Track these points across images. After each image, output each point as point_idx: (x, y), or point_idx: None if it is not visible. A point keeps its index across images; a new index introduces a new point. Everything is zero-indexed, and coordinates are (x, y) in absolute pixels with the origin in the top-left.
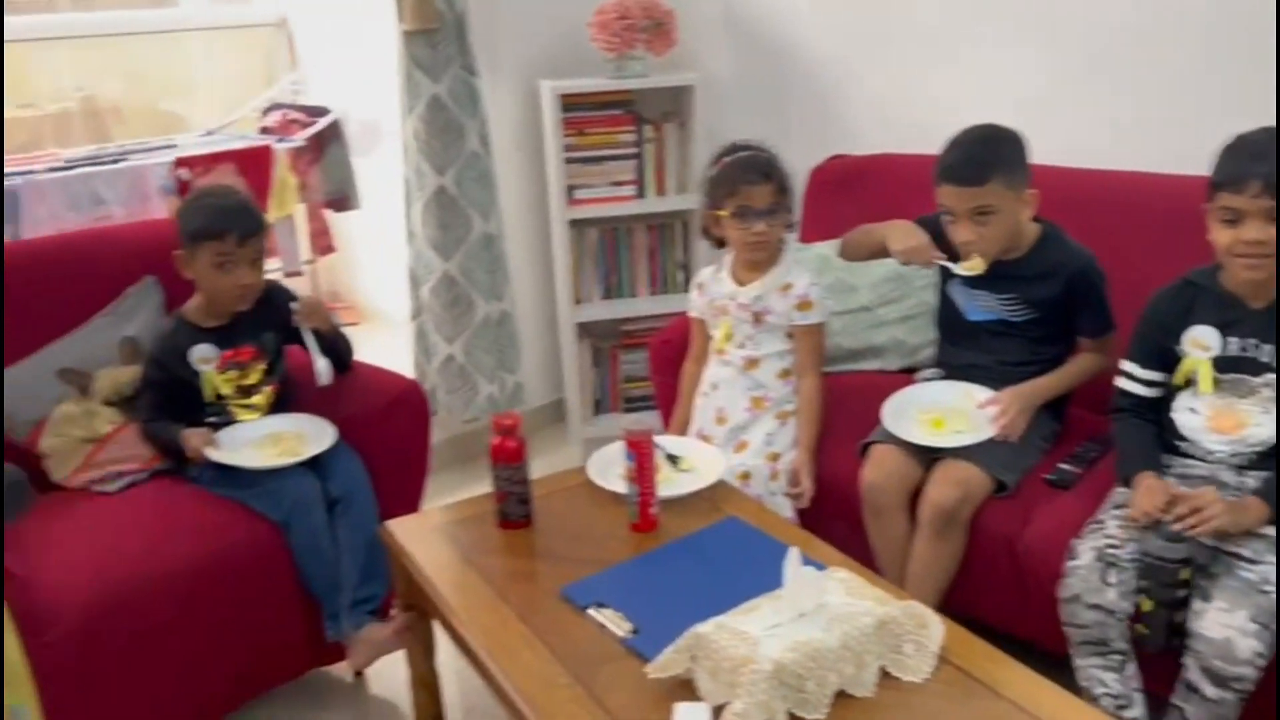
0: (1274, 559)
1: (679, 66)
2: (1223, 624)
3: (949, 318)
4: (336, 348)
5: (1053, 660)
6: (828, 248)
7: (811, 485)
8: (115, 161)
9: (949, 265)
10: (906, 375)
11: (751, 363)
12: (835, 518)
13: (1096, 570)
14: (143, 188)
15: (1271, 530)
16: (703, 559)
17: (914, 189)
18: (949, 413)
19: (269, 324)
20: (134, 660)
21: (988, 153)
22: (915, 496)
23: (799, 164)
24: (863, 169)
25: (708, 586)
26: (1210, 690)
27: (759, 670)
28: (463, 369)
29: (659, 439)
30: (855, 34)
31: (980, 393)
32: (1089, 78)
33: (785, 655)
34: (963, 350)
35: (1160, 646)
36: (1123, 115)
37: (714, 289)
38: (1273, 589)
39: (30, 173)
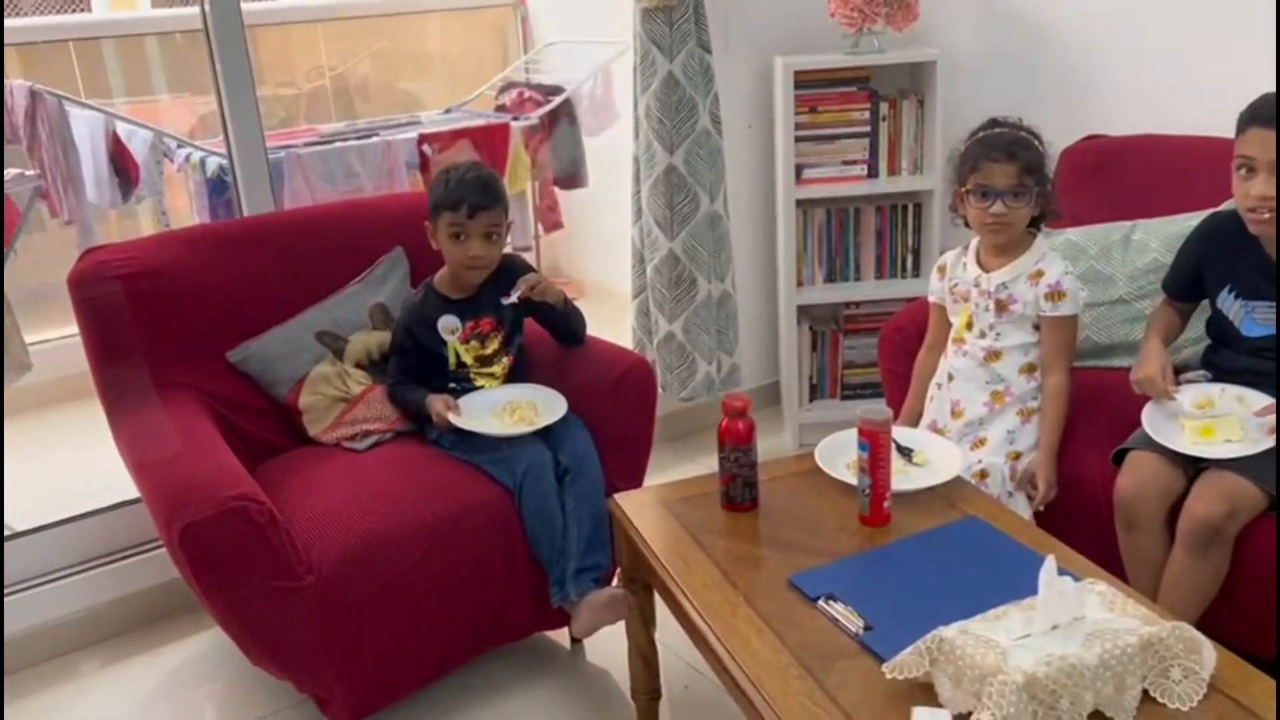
0: None
1: (919, 42)
2: None
3: (1220, 329)
4: (569, 321)
5: None
6: (1079, 234)
7: (1049, 489)
8: (365, 137)
9: (1177, 398)
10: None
11: (993, 354)
12: (1077, 525)
13: None
14: (390, 162)
15: None
16: (939, 558)
17: (1178, 172)
18: (1219, 420)
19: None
20: (381, 608)
21: None
22: (1175, 510)
23: (1051, 145)
24: (1120, 150)
25: (945, 587)
26: None
27: (1009, 682)
28: (682, 347)
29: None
30: (1115, 5)
31: (1257, 399)
32: None
33: (1039, 669)
34: (1237, 356)
35: None
36: None
37: (956, 273)
38: None
39: (291, 147)
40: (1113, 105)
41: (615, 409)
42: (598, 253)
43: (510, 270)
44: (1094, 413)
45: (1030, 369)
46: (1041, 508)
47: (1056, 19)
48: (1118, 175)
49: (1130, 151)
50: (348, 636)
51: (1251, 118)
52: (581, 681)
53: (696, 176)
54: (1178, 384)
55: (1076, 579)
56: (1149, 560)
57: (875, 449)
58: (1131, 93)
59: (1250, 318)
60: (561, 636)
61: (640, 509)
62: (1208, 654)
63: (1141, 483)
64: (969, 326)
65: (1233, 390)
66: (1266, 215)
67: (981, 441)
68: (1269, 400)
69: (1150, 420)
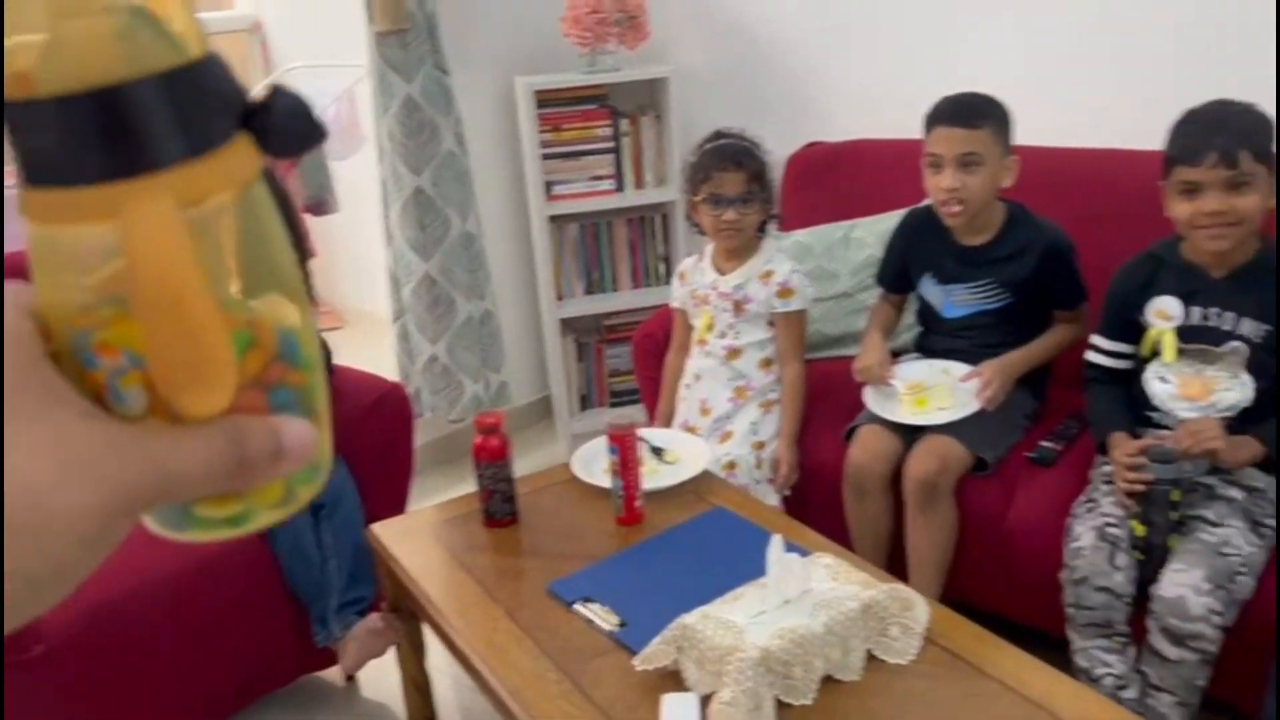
0: (1236, 524)
1: (652, 59)
2: (1178, 583)
3: (926, 314)
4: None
5: (1041, 639)
6: (806, 235)
7: (792, 473)
8: None
9: (893, 384)
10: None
11: (733, 352)
12: (821, 504)
13: (1103, 552)
14: None
15: (1235, 493)
16: (689, 550)
17: (888, 172)
18: (931, 391)
19: None
20: (121, 673)
21: (982, 102)
22: (897, 477)
23: (776, 152)
24: (838, 155)
25: (694, 577)
26: (1170, 650)
27: (745, 658)
28: (446, 369)
29: (642, 432)
30: (831, 20)
31: (960, 369)
32: (1066, 59)
33: (771, 642)
34: (942, 337)
35: (1155, 573)
36: (1098, 95)
37: (695, 279)
38: (1232, 551)
39: None
40: (833, 114)
41: (371, 438)
42: (354, 279)
43: None
44: (828, 399)
45: (768, 363)
46: (787, 491)
47: (778, 36)
48: (837, 178)
49: (847, 156)
50: (91, 708)
51: (935, 118)
52: (359, 718)
53: (446, 198)
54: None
55: (805, 554)
56: (873, 525)
57: (624, 452)
58: (846, 102)
59: (949, 300)
60: (334, 675)
61: (400, 536)
62: (920, 610)
63: (869, 453)
64: (710, 328)
65: (939, 364)
66: (956, 207)
67: (728, 435)
68: (969, 368)
69: (872, 399)
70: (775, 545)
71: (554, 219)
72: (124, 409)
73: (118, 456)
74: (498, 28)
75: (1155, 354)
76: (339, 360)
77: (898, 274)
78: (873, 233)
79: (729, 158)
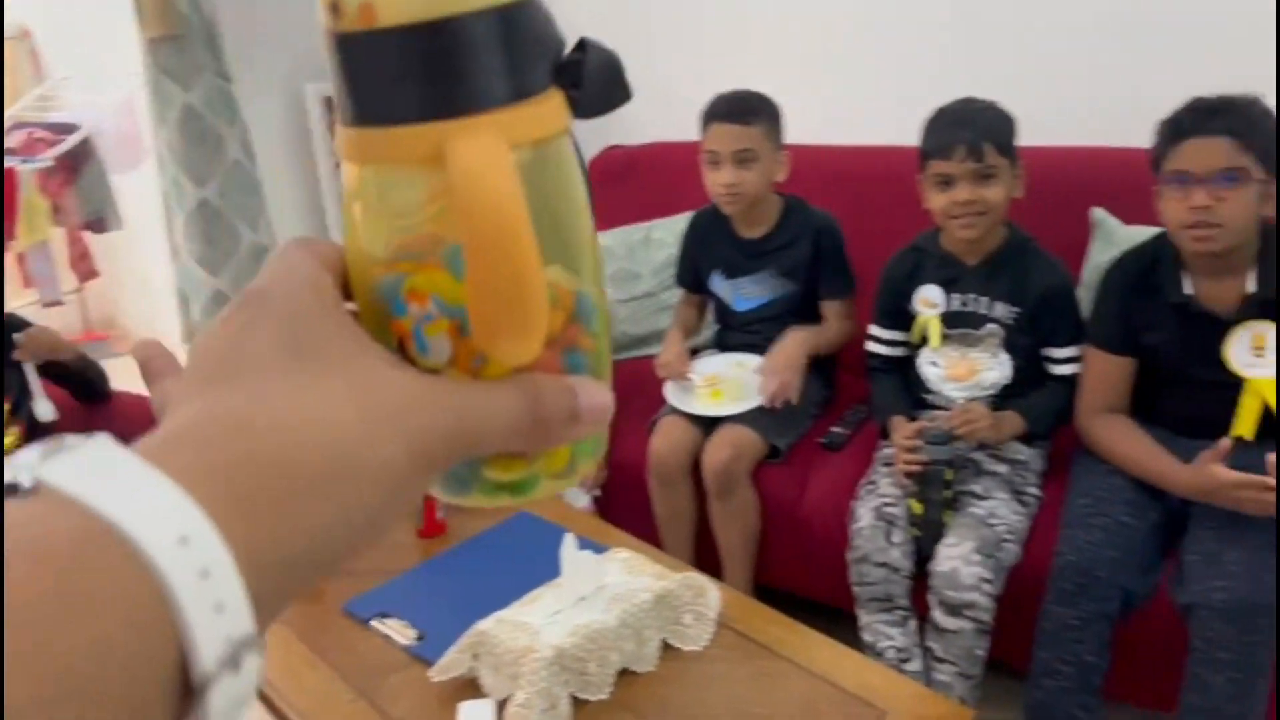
0: (1001, 495)
1: None
2: (951, 556)
3: (721, 311)
4: (86, 378)
5: (840, 617)
6: (608, 237)
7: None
8: None
9: (691, 378)
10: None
11: None
12: (631, 500)
13: (880, 530)
14: None
15: (1000, 467)
16: (490, 558)
17: (685, 174)
18: (726, 384)
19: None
20: None
21: (755, 99)
22: (698, 467)
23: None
24: (637, 158)
25: (495, 584)
26: (948, 621)
27: (540, 658)
28: None
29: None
30: (631, 23)
31: (754, 361)
32: (837, 60)
33: (565, 640)
34: (737, 333)
35: (933, 549)
36: (868, 94)
37: None
38: (998, 522)
39: None
40: (634, 117)
41: None
42: (140, 299)
43: (11, 329)
44: (635, 397)
45: None
46: (598, 491)
47: (570, 36)
48: (637, 180)
49: (646, 158)
50: None
51: (712, 115)
52: None
53: (234, 210)
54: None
55: (602, 550)
56: (680, 515)
57: None
58: (648, 104)
59: (739, 295)
60: None
61: None
62: (713, 596)
63: (670, 443)
64: None
65: (734, 357)
66: (734, 203)
67: None
68: (760, 360)
69: (672, 393)
70: (568, 544)
71: None
72: (426, 359)
73: (424, 407)
74: (285, 33)
75: (925, 340)
76: (121, 385)
77: (693, 274)
78: (672, 233)
79: None
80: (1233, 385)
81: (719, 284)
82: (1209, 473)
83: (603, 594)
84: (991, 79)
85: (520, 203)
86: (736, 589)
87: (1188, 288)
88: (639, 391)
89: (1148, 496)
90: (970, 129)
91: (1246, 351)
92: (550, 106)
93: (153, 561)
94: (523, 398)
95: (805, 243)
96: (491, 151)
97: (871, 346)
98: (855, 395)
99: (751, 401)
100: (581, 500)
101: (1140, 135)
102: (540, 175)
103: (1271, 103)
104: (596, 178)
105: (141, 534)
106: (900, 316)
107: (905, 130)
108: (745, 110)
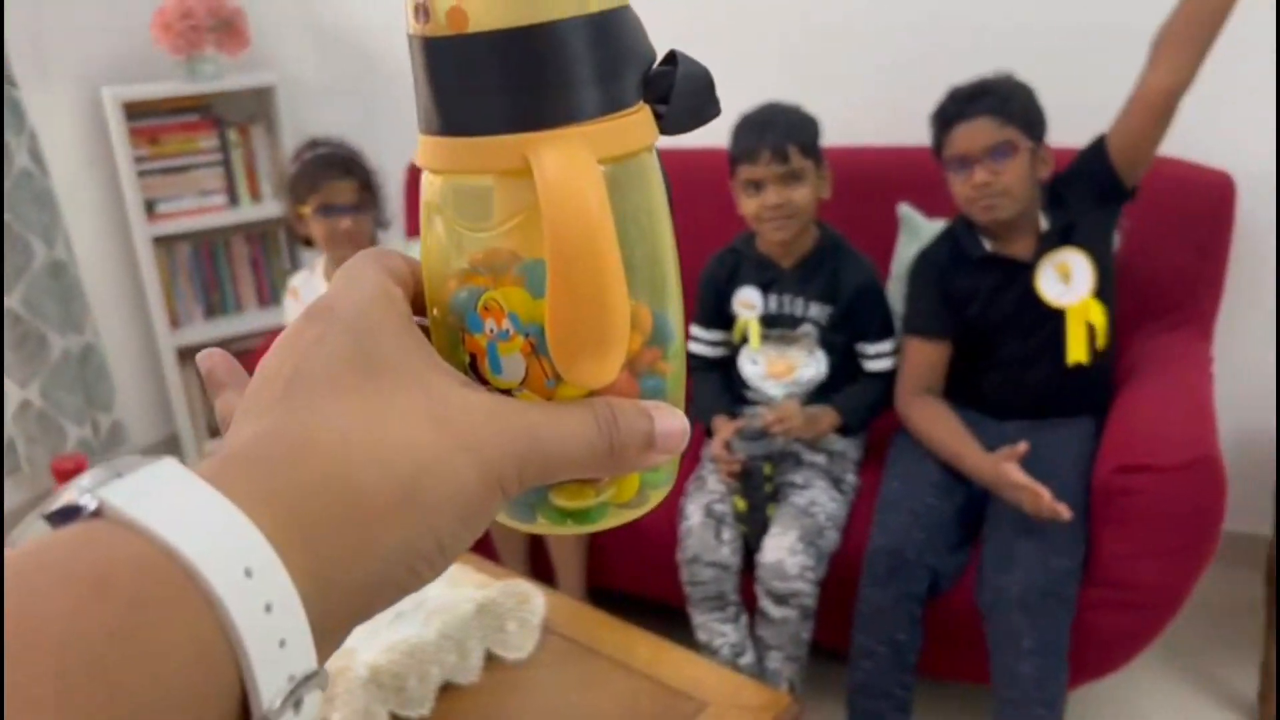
0: (821, 484)
1: (258, 66)
2: (776, 547)
3: None
4: None
5: (678, 616)
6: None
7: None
8: None
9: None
10: None
11: None
12: None
13: (710, 527)
14: None
15: (819, 458)
16: None
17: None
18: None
19: None
20: None
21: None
22: None
23: (394, 162)
24: None
25: None
26: (775, 611)
27: (355, 677)
28: (43, 414)
29: None
30: None
31: None
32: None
33: (382, 657)
34: None
35: (759, 543)
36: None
37: (308, 294)
38: (818, 510)
39: None
40: None
41: None
42: None
43: None
44: None
45: None
46: None
47: (391, 44)
48: None
49: None
50: None
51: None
52: None
53: (24, 223)
54: None
55: None
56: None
57: None
58: None
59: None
60: None
61: None
62: (537, 601)
63: None
64: None
65: None
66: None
67: None
68: None
69: None
70: None
71: (162, 240)
72: (500, 379)
73: (499, 429)
74: (78, 35)
75: (745, 340)
76: None
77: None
78: None
79: (338, 165)
80: (1052, 333)
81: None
82: (1000, 469)
83: (422, 608)
84: (796, 82)
85: (608, 219)
86: (571, 594)
87: (988, 246)
88: None
89: (954, 479)
90: (774, 133)
91: (1055, 282)
92: (638, 120)
93: (217, 596)
94: (598, 422)
95: None
96: (581, 166)
97: (694, 347)
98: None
99: None
100: None
101: None
102: (625, 191)
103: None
104: (414, 183)
105: (206, 566)
106: (721, 317)
107: (714, 132)
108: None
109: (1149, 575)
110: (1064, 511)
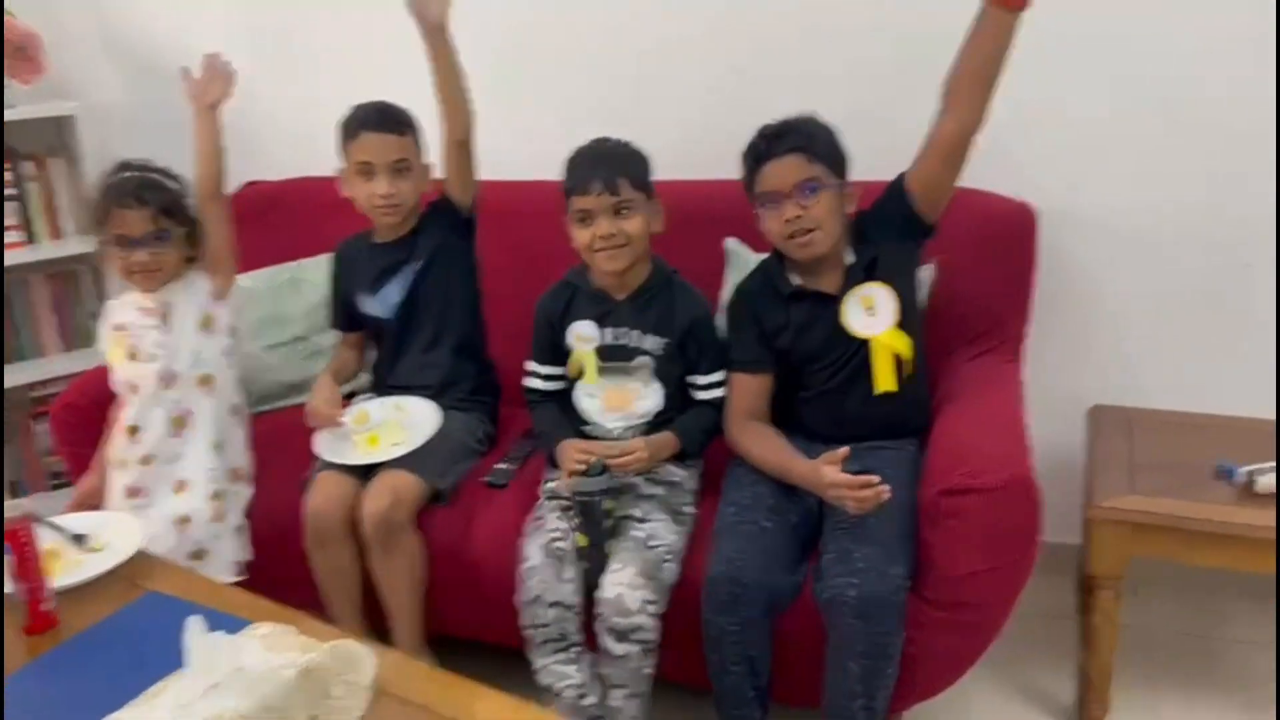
0: (660, 516)
1: (57, 95)
2: (616, 582)
3: (384, 336)
4: None
5: (520, 659)
6: (251, 279)
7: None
8: None
9: (343, 423)
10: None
11: (167, 377)
12: (287, 568)
13: (551, 566)
14: None
15: (657, 489)
16: (110, 650)
17: (332, 210)
18: (383, 428)
19: None
20: None
21: (402, 110)
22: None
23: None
24: (279, 194)
25: (116, 681)
26: (617, 647)
27: None
28: None
29: (57, 520)
30: (264, 58)
31: (415, 404)
32: (500, 95)
33: None
34: (398, 369)
35: (599, 579)
36: (532, 128)
37: (119, 317)
38: (658, 543)
39: None
40: (268, 152)
41: None
42: None
43: None
44: (289, 451)
45: (207, 381)
46: (249, 555)
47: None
48: (280, 218)
49: (289, 195)
50: None
51: (362, 123)
52: None
53: None
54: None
55: (240, 627)
56: (343, 575)
57: (20, 550)
58: (286, 140)
59: (383, 303)
60: None
61: None
62: (368, 663)
63: (327, 498)
64: (133, 356)
65: (391, 400)
66: (390, 211)
67: (183, 485)
68: (423, 402)
69: (324, 443)
70: (193, 627)
71: None
72: None
73: None
74: None
75: (581, 374)
76: None
77: (344, 310)
78: (321, 273)
79: (130, 193)
80: (862, 363)
81: (369, 304)
82: (820, 471)
83: (240, 678)
84: (627, 118)
85: None
86: (407, 645)
87: (796, 281)
88: (289, 443)
89: (787, 499)
90: (605, 166)
91: (860, 315)
92: None
93: None
94: None
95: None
96: None
97: (529, 382)
98: (518, 429)
99: (409, 445)
100: (233, 555)
101: None
102: None
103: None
104: (236, 215)
105: None
106: (556, 351)
107: (544, 165)
108: (398, 119)
109: (977, 594)
110: (884, 491)
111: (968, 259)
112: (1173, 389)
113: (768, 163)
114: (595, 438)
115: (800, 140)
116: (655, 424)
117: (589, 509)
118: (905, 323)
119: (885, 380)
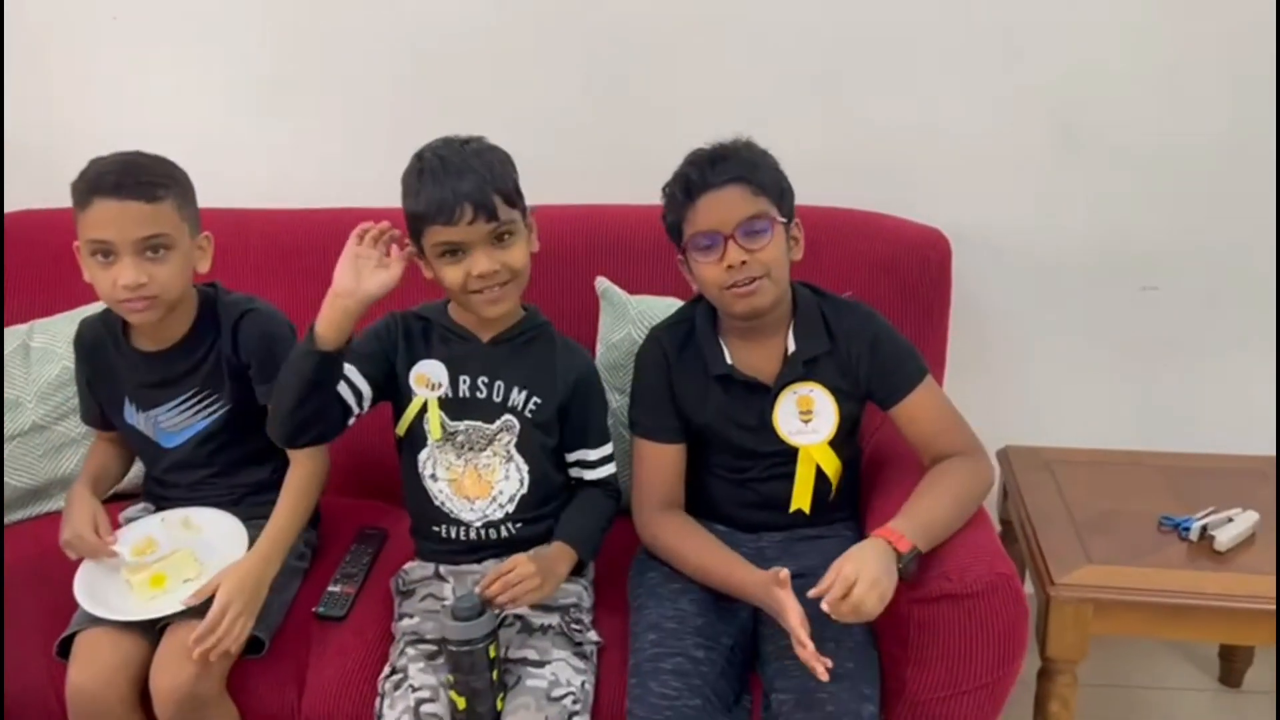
0: (560, 653)
1: None
2: None
3: (145, 450)
4: None
5: None
6: None
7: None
8: None
9: (118, 552)
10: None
11: None
12: None
13: None
14: None
15: (551, 619)
16: None
17: (71, 254)
18: (170, 560)
19: None
20: None
21: (156, 166)
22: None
23: None
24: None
25: None
26: None
27: None
28: None
29: None
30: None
31: (208, 519)
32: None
33: None
34: (176, 476)
35: None
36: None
37: None
38: (563, 691)
39: None
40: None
41: None
42: None
43: None
44: (33, 593)
45: None
46: None
47: None
48: (9, 261)
49: (16, 233)
50: None
51: (98, 188)
52: None
53: None
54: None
55: None
56: None
57: None
58: (22, 156)
59: (160, 429)
60: None
61: None
62: None
63: (98, 671)
64: None
65: (176, 514)
66: (146, 309)
67: None
68: (219, 513)
69: (87, 588)
70: None
71: None
72: None
73: None
74: None
75: (414, 430)
76: None
77: (99, 407)
78: (61, 338)
79: None
80: (789, 458)
81: (134, 418)
82: (774, 597)
83: None
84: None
85: None
86: None
87: (728, 357)
88: (33, 579)
89: (717, 616)
90: (472, 181)
91: (794, 417)
92: None
93: None
94: None
95: (224, 339)
96: None
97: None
98: (349, 526)
99: (207, 577)
100: None
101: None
102: None
103: None
104: None
105: None
106: (385, 385)
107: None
108: (143, 182)
109: (961, 714)
110: (821, 670)
111: (879, 292)
112: (1076, 423)
113: (702, 195)
114: (446, 534)
115: (742, 169)
116: (516, 517)
117: (467, 660)
118: (839, 441)
119: (802, 497)
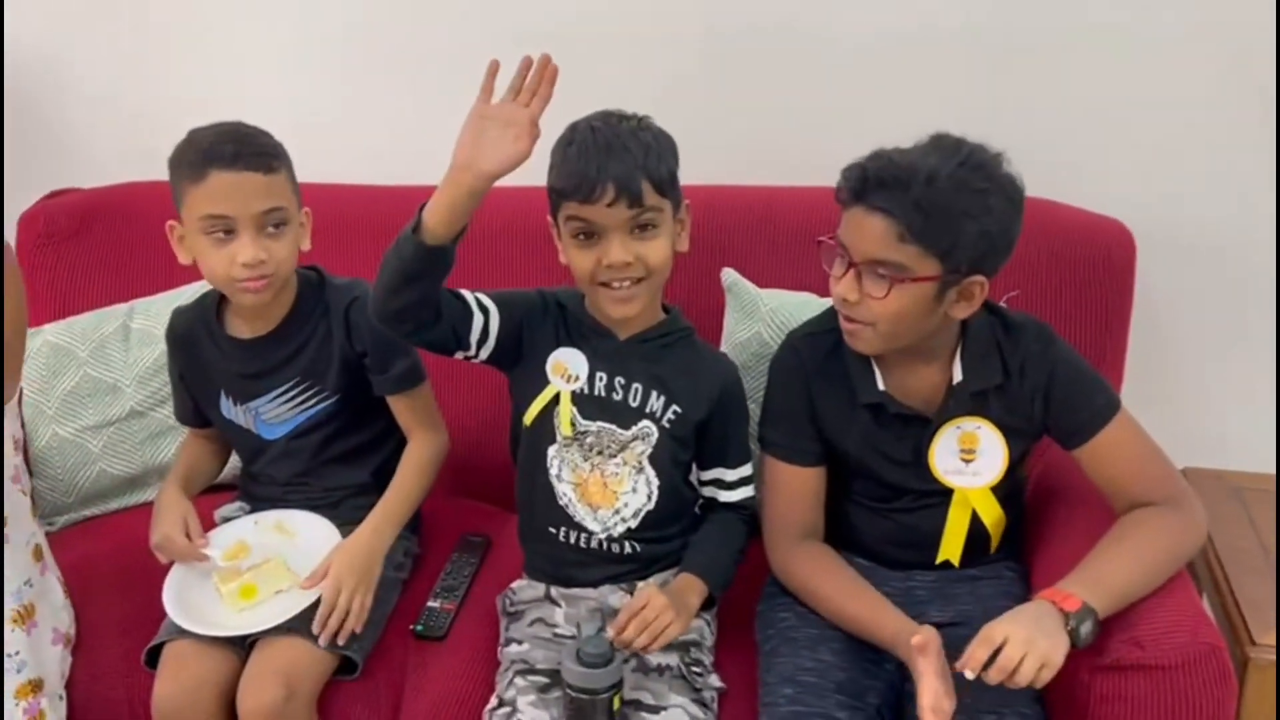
0: (679, 699)
1: None
2: None
3: (242, 444)
4: None
5: None
6: (58, 330)
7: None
8: None
9: (210, 555)
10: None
11: None
12: None
13: None
14: None
15: (669, 659)
16: None
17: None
18: (261, 570)
19: None
20: None
21: (265, 137)
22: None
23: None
24: (99, 207)
25: None
26: None
27: None
28: None
29: None
30: (73, 25)
31: (304, 523)
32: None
33: None
34: (271, 473)
35: None
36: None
37: None
38: None
39: None
40: (82, 150)
41: None
42: None
43: None
44: (123, 590)
45: None
46: None
47: None
48: (101, 241)
49: (114, 207)
50: None
51: (214, 159)
52: None
53: None
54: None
55: None
56: None
57: None
58: (102, 130)
59: (261, 421)
60: None
61: None
62: None
63: (185, 686)
64: None
65: (269, 518)
66: (261, 284)
67: None
68: (312, 516)
69: (177, 597)
70: None
71: None
72: None
73: None
74: None
75: (544, 420)
76: None
77: (194, 405)
78: (164, 320)
79: None
80: (948, 494)
81: (231, 411)
82: (915, 667)
83: None
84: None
85: None
86: None
87: (880, 382)
88: (122, 576)
89: (862, 672)
90: (622, 160)
91: (954, 456)
92: None
93: None
94: None
95: (338, 327)
96: None
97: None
98: (452, 533)
99: (306, 594)
100: None
101: None
102: None
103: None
104: (34, 240)
105: None
106: (518, 355)
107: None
108: (259, 151)
109: None
110: None
111: (1048, 292)
112: (1262, 445)
113: (856, 205)
114: (564, 538)
115: (898, 203)
116: (640, 534)
117: (589, 708)
118: (1004, 489)
119: (951, 547)
